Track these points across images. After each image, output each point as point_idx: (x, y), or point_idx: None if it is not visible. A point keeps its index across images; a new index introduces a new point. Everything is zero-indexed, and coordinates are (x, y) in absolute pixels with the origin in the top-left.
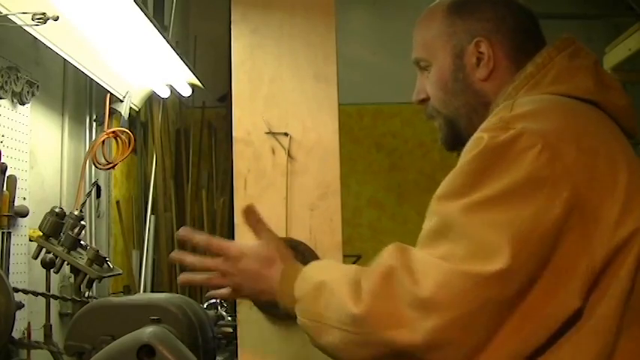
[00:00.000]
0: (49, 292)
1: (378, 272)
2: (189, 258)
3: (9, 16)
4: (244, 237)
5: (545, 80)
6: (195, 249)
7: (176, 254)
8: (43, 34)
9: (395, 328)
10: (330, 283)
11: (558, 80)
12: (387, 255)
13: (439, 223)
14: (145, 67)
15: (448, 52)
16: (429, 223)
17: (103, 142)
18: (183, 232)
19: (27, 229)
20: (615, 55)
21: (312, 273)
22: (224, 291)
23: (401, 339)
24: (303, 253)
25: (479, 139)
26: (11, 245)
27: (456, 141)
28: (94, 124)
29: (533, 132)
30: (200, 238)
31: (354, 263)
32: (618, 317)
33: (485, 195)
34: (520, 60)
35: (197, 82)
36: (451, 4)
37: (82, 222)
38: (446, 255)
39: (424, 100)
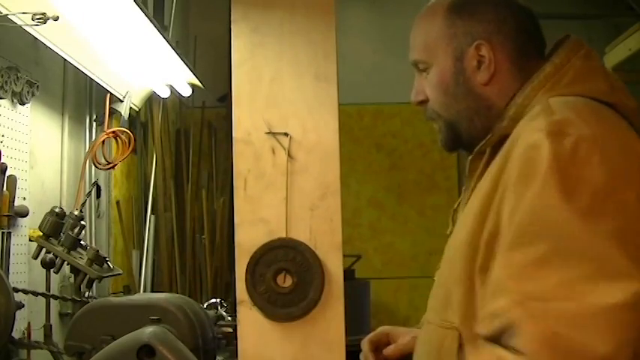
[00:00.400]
0: (49, 292)
1: None
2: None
3: (9, 16)
4: (244, 237)
5: (563, 81)
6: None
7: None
8: (43, 34)
9: None
10: None
11: (576, 81)
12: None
13: (549, 245)
14: (145, 67)
15: (449, 54)
16: (523, 252)
17: (103, 142)
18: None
19: (27, 229)
20: (615, 55)
21: None
22: None
23: None
24: (303, 253)
25: (537, 146)
26: (11, 245)
27: (456, 143)
28: (94, 124)
29: (586, 137)
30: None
31: (354, 263)
32: None
33: (583, 204)
34: (522, 62)
35: (197, 82)
36: (451, 5)
37: (82, 222)
38: (563, 283)
39: (423, 102)
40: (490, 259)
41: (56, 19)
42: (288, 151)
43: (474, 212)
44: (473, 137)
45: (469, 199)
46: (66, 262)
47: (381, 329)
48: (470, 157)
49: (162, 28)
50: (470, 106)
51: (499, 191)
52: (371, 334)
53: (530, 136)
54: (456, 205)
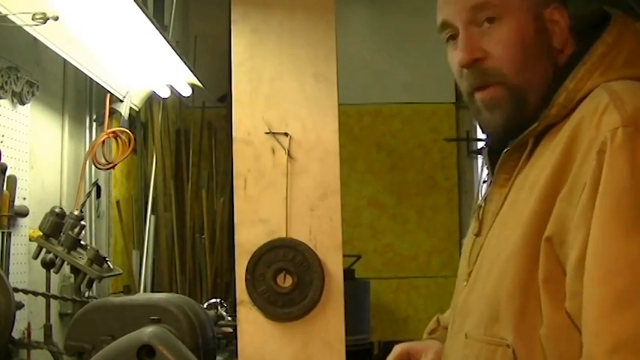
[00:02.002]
0: (49, 292)
1: None
2: None
3: (9, 16)
4: (244, 237)
5: (617, 62)
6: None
7: None
8: (43, 34)
9: None
10: None
11: (632, 62)
12: None
13: (630, 274)
14: (145, 67)
15: (527, 9)
16: (606, 281)
17: (103, 142)
18: None
19: (27, 229)
20: None
21: None
22: None
23: None
24: (303, 253)
25: (615, 155)
26: (11, 245)
27: (518, 122)
28: (94, 124)
29: None
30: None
31: (354, 263)
32: None
33: None
34: (573, 36)
35: (197, 82)
36: None
37: (82, 222)
38: None
39: (478, 61)
40: (555, 267)
41: (56, 19)
42: (288, 151)
43: (527, 215)
44: (532, 115)
45: (507, 198)
46: (66, 262)
47: (399, 349)
48: (506, 150)
49: (162, 28)
50: (543, 73)
51: (565, 194)
52: (390, 357)
53: (602, 135)
54: (481, 202)
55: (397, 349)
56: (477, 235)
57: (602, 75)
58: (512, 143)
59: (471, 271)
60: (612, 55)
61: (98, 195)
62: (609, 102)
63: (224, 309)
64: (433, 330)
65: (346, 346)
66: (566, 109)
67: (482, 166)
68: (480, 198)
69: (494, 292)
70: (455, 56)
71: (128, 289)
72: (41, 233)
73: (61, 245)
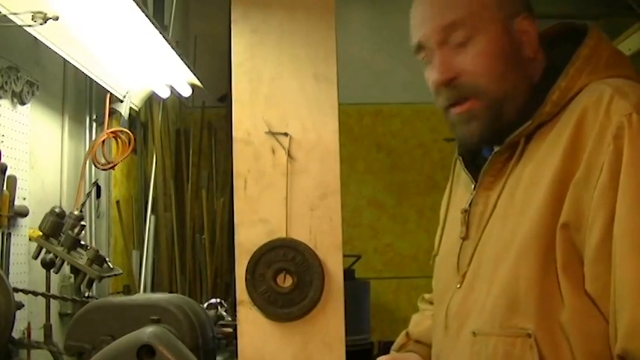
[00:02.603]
0: (49, 292)
1: None
2: None
3: (9, 16)
4: (244, 237)
5: (600, 64)
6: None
7: None
8: (43, 34)
9: None
10: None
11: (611, 64)
12: None
13: None
14: (145, 67)
15: (498, 23)
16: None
17: (103, 142)
18: None
19: (27, 229)
20: None
21: None
22: None
23: None
24: (303, 253)
25: (634, 138)
26: (11, 245)
27: (494, 131)
28: (94, 124)
29: None
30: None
31: (354, 263)
32: None
33: None
34: (540, 43)
35: (197, 82)
36: None
37: (82, 222)
38: None
39: (452, 80)
40: (573, 253)
41: (56, 19)
42: (288, 151)
43: (539, 205)
44: (510, 123)
45: (499, 199)
46: (66, 262)
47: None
48: (496, 151)
49: (162, 28)
50: (517, 83)
51: (579, 179)
52: None
53: (616, 120)
54: (466, 206)
55: None
56: (465, 238)
57: (589, 75)
58: (497, 147)
59: (465, 273)
60: (595, 58)
61: (98, 195)
62: (613, 93)
63: (224, 309)
64: (402, 345)
65: (346, 346)
66: (558, 107)
67: (452, 175)
68: (465, 203)
69: (507, 286)
70: (430, 75)
71: (128, 289)
72: (41, 233)
73: (61, 245)
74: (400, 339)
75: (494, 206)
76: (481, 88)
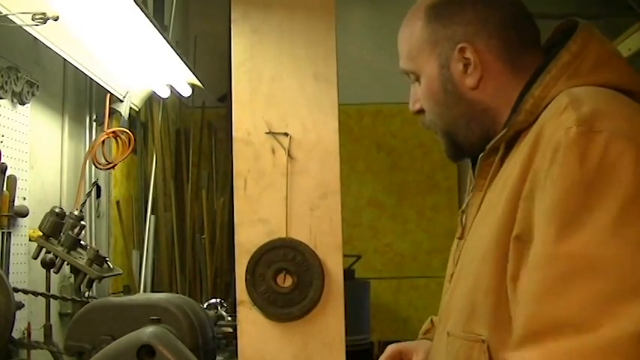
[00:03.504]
0: (49, 292)
1: None
2: None
3: (9, 16)
4: (244, 237)
5: (583, 68)
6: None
7: None
8: (43, 34)
9: None
10: None
11: (597, 68)
12: None
13: (564, 268)
14: (145, 67)
15: (434, 62)
16: (544, 270)
17: (103, 142)
18: None
19: (27, 229)
20: None
21: None
22: None
23: None
24: (303, 253)
25: (557, 143)
26: (11, 245)
27: (458, 153)
28: (94, 124)
29: (618, 134)
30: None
31: (354, 263)
32: None
33: (611, 214)
34: (515, 56)
35: (197, 82)
36: (429, 10)
37: (82, 222)
38: (596, 297)
39: (421, 111)
40: (521, 266)
41: (56, 19)
42: (288, 151)
43: (498, 215)
44: (472, 144)
45: (483, 201)
46: (66, 262)
47: (390, 350)
48: (481, 155)
49: (162, 28)
50: (464, 113)
51: (527, 193)
52: (382, 357)
53: (558, 134)
54: (464, 207)
55: (389, 349)
56: (460, 238)
57: (567, 81)
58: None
59: (453, 273)
60: (577, 63)
61: (98, 195)
62: (568, 104)
63: (224, 309)
64: (427, 330)
65: (346, 346)
66: (533, 115)
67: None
68: (464, 204)
69: (471, 291)
70: None
71: (128, 289)
72: (41, 233)
73: (61, 245)
74: (426, 325)
75: (479, 208)
76: (435, 122)
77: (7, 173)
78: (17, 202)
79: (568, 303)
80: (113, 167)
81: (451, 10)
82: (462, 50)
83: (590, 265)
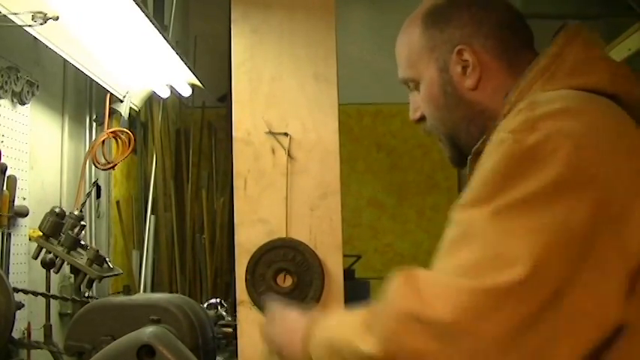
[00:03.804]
0: (49, 292)
1: (389, 314)
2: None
3: (9, 16)
4: (244, 237)
5: (560, 72)
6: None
7: None
8: (43, 34)
9: None
10: (340, 337)
11: (576, 72)
12: (395, 294)
13: (459, 232)
14: (145, 67)
15: (433, 67)
16: (449, 232)
17: (103, 142)
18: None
19: (27, 229)
20: (615, 55)
21: (323, 330)
22: None
23: None
24: (303, 253)
25: (502, 142)
26: (11, 245)
27: (461, 157)
28: (94, 124)
29: (560, 133)
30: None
31: (354, 263)
32: None
33: (509, 202)
34: (510, 57)
35: (197, 82)
36: (426, 17)
37: (82, 222)
38: (459, 266)
39: (422, 119)
40: None
41: (56, 19)
42: (288, 151)
43: None
44: (472, 146)
45: None
46: (66, 262)
47: None
48: (469, 158)
49: (162, 28)
50: (464, 115)
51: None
52: None
53: (502, 134)
54: None
55: None
56: None
57: (543, 85)
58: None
59: None
60: (555, 66)
61: (98, 195)
62: (523, 108)
63: (224, 309)
64: None
65: None
66: None
67: None
68: None
69: None
70: None
71: (128, 289)
72: (41, 233)
73: (61, 245)
74: None
75: None
76: (437, 127)
77: (7, 173)
78: (17, 202)
79: (446, 264)
80: (113, 167)
81: (447, 15)
82: (460, 52)
83: (472, 235)
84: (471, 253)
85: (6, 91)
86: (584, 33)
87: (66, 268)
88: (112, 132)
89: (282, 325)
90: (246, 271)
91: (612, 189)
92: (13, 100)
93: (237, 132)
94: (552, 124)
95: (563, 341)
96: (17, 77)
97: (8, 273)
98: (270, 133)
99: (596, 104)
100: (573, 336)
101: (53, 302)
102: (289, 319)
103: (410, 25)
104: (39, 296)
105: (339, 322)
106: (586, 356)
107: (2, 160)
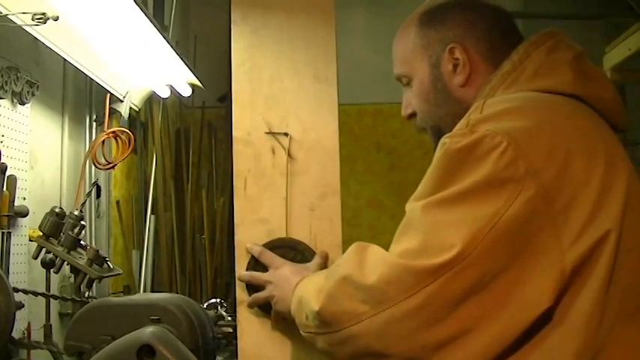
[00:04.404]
0: (49, 292)
1: (333, 275)
2: (246, 275)
3: (9, 16)
4: (244, 237)
5: (523, 77)
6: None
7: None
8: (43, 34)
9: (351, 323)
10: (305, 294)
11: (537, 76)
12: (345, 259)
13: (404, 222)
14: (145, 67)
15: (426, 63)
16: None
17: (103, 142)
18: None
19: (27, 229)
20: (615, 55)
21: (299, 287)
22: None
23: (358, 332)
24: (302, 253)
25: (442, 144)
26: (11, 245)
27: None
28: (94, 124)
29: (497, 132)
30: (256, 248)
31: None
32: (597, 316)
33: (445, 195)
34: (498, 60)
35: (197, 82)
36: (422, 17)
37: (82, 222)
38: (403, 251)
39: (413, 115)
40: None
41: (56, 19)
42: (288, 151)
43: None
44: None
45: None
46: (66, 262)
47: None
48: None
49: (162, 28)
50: (451, 111)
51: None
52: None
53: (443, 138)
54: None
55: None
56: None
57: (505, 90)
58: None
59: None
60: (517, 72)
61: (98, 195)
62: (471, 112)
63: (224, 309)
64: None
65: None
66: None
67: None
68: None
69: None
70: None
71: (128, 289)
72: (41, 233)
73: (61, 245)
74: None
75: None
76: (427, 121)
77: (7, 173)
78: (17, 202)
79: (393, 248)
80: (113, 167)
81: (442, 16)
82: (452, 51)
83: (411, 225)
84: (410, 240)
85: (6, 91)
86: (555, 38)
87: (66, 268)
88: (112, 132)
89: (277, 274)
90: (246, 271)
91: (554, 186)
92: (13, 100)
93: (237, 132)
94: (490, 125)
95: (486, 324)
96: (17, 77)
97: (8, 273)
98: (270, 133)
99: (550, 104)
100: (497, 321)
101: (53, 302)
102: (285, 270)
103: (407, 25)
104: (39, 296)
105: (310, 282)
106: (508, 343)
107: (2, 160)
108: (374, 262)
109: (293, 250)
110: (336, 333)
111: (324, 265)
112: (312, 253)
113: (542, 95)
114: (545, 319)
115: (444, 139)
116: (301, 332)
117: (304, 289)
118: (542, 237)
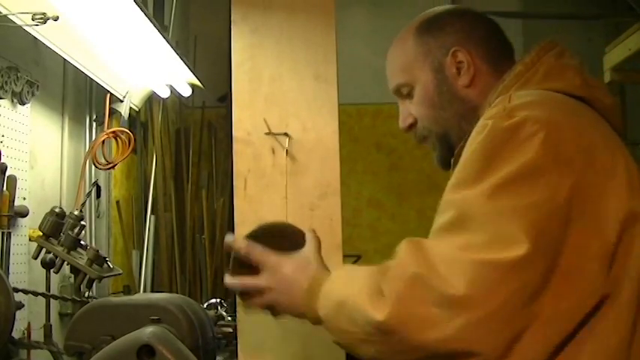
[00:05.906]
0: (49, 292)
1: (400, 277)
2: (236, 283)
3: (9, 16)
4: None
5: (535, 78)
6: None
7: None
8: (43, 34)
9: (425, 331)
10: (350, 297)
11: (548, 77)
12: (406, 257)
13: (457, 214)
14: (145, 67)
15: (428, 69)
16: (444, 215)
17: (103, 142)
18: (227, 238)
19: (27, 229)
20: (615, 55)
21: (332, 288)
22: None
23: (433, 339)
24: (290, 238)
25: (483, 126)
26: (11, 245)
27: (451, 156)
28: (94, 124)
29: (536, 119)
30: (241, 244)
31: (354, 263)
32: (636, 303)
33: (496, 182)
34: (498, 62)
35: (197, 82)
36: (419, 26)
37: (82, 222)
38: (465, 245)
39: (412, 126)
40: None
41: (56, 19)
42: (288, 151)
43: None
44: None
45: None
46: (66, 262)
47: None
48: (453, 158)
49: (162, 28)
50: (457, 112)
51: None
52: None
53: (481, 121)
54: None
55: None
56: None
57: (518, 89)
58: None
59: None
60: (530, 73)
61: (98, 195)
62: (499, 102)
63: (224, 309)
64: None
65: None
66: None
67: None
68: None
69: None
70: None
71: (128, 289)
72: (41, 233)
73: (61, 245)
74: None
75: None
76: (429, 128)
77: (7, 173)
78: (17, 202)
79: (449, 243)
80: (113, 167)
81: (440, 23)
82: (455, 54)
83: (470, 218)
84: (474, 235)
85: (6, 91)
86: (559, 45)
87: (66, 268)
88: (112, 132)
89: (276, 277)
90: (229, 271)
91: (586, 175)
92: (13, 100)
93: (237, 132)
94: (527, 112)
95: (563, 302)
96: (17, 77)
97: (8, 273)
98: (270, 133)
99: (566, 101)
100: (570, 296)
101: (53, 302)
102: (286, 270)
103: (402, 36)
104: (39, 296)
105: (349, 279)
106: (577, 320)
107: (2, 160)
108: (447, 263)
109: (286, 240)
110: (402, 341)
111: (318, 243)
112: (301, 235)
113: (556, 94)
114: (597, 306)
115: (483, 121)
116: (335, 338)
117: (341, 291)
118: (584, 222)
